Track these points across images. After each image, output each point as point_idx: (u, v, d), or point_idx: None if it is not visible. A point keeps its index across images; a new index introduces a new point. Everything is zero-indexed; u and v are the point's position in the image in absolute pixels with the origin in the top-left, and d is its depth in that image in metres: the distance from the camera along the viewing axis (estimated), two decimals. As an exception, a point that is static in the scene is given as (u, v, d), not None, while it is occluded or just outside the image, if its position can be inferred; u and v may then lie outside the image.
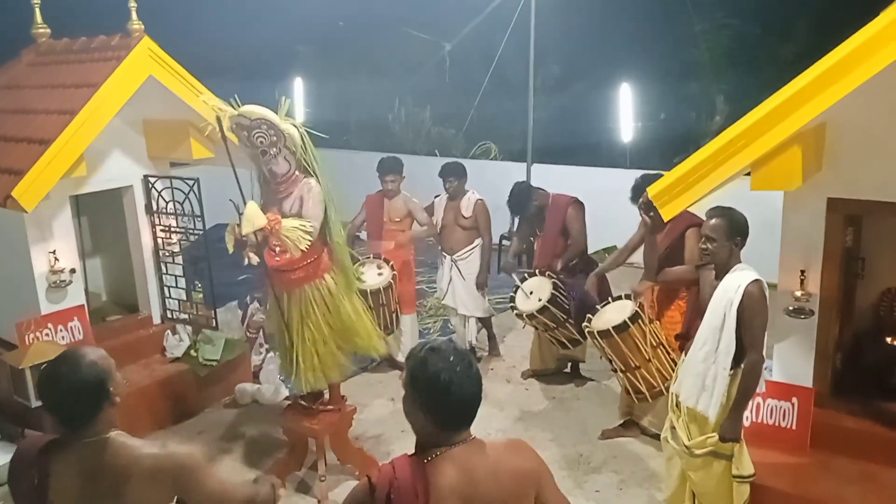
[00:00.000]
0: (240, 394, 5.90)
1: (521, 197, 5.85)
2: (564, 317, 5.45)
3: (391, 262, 5.90)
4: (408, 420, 2.14)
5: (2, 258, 5.44)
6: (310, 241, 4.08)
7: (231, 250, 4.23)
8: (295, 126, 4.20)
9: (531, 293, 5.53)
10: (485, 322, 6.57)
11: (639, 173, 5.21)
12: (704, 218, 4.22)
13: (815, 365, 4.19)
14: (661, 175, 4.91)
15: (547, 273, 5.56)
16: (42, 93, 5.40)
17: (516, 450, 2.22)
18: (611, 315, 4.71)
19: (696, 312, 4.75)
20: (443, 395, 2.05)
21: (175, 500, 2.36)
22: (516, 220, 6.27)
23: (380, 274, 5.83)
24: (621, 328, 4.53)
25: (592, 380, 6.09)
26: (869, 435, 4.05)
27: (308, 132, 4.30)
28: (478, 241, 6.26)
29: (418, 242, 6.60)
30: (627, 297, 4.83)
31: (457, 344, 2.21)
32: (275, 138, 4.12)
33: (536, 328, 5.73)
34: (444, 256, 6.38)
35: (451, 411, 2.08)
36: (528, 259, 6.54)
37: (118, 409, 2.32)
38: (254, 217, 4.00)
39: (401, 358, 6.38)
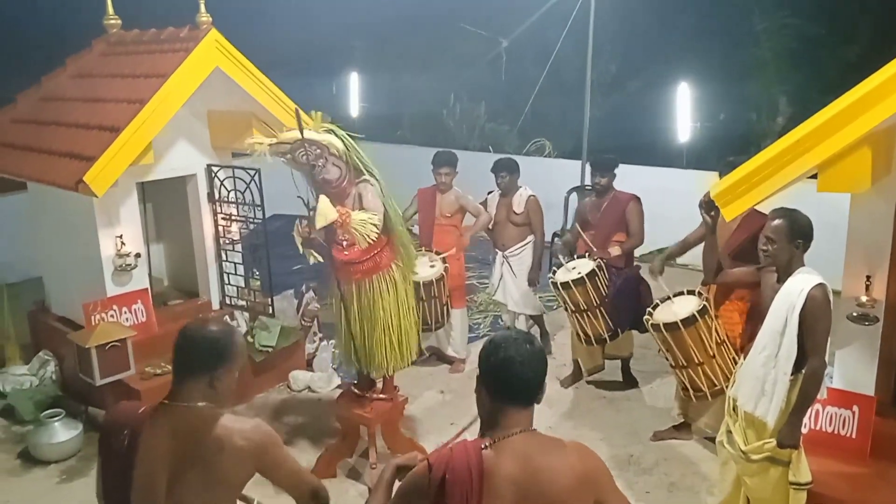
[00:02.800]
0: (294, 380, 6.00)
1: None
2: (598, 301, 5.38)
3: (443, 255, 5.95)
4: (477, 404, 2.21)
5: (71, 241, 5.64)
6: (377, 232, 4.18)
7: (301, 249, 4.34)
8: (334, 132, 4.30)
9: (573, 268, 5.51)
10: (536, 319, 6.54)
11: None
12: None
13: (878, 373, 4.09)
14: None
15: (595, 257, 5.52)
16: (112, 82, 5.58)
17: (581, 452, 2.21)
18: (677, 308, 4.63)
19: (758, 315, 4.68)
20: (495, 361, 2.13)
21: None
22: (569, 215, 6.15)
23: (432, 266, 5.88)
24: (689, 321, 4.45)
25: (635, 380, 6.01)
26: (932, 446, 3.94)
27: (350, 135, 4.36)
28: (530, 238, 6.22)
29: (471, 237, 6.59)
30: (691, 292, 4.75)
31: (527, 331, 2.26)
32: (318, 151, 4.21)
33: (567, 308, 5.54)
34: (497, 252, 6.37)
35: (502, 381, 2.13)
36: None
37: (217, 398, 2.41)
38: (327, 211, 4.10)
39: (450, 352, 6.42)
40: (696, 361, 4.52)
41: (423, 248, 6.10)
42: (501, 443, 2.09)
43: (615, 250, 5.58)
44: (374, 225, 4.17)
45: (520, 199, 6.16)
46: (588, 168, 9.04)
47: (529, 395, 2.16)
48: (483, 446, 2.10)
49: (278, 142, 4.22)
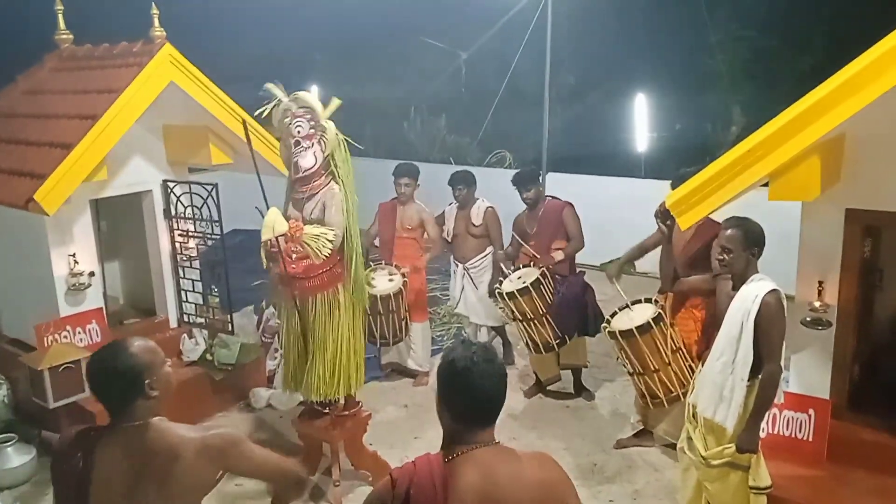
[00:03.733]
0: (255, 398, 5.92)
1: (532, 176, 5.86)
2: (544, 309, 5.41)
3: (402, 269, 5.93)
4: (438, 418, 2.17)
5: (22, 261, 5.50)
6: (331, 249, 4.10)
7: (265, 263, 4.26)
8: (335, 130, 4.28)
9: (518, 278, 5.54)
10: (498, 330, 6.55)
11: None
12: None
13: (832, 376, 4.17)
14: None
15: (539, 266, 5.55)
16: (64, 98, 5.48)
17: (542, 461, 2.21)
18: (632, 316, 4.69)
19: (711, 322, 4.75)
20: (461, 386, 2.08)
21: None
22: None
23: (390, 280, 5.86)
24: (644, 329, 4.51)
25: (588, 390, 6.03)
26: (886, 448, 4.02)
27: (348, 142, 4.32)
28: (489, 250, 6.20)
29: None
30: (648, 300, 4.81)
31: (486, 342, 2.23)
32: (312, 131, 4.15)
33: (514, 317, 5.54)
34: (457, 265, 6.36)
35: (469, 404, 2.10)
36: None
37: (160, 401, 2.37)
38: (275, 222, 4.02)
39: (412, 365, 6.39)
40: (652, 368, 4.57)
41: (384, 262, 6.08)
42: (464, 455, 2.08)
43: (558, 255, 5.63)
44: (329, 241, 4.09)
45: (478, 212, 6.15)
46: (550, 176, 9.17)
47: (492, 415, 2.15)
48: (446, 459, 2.09)
49: (293, 98, 4.21)
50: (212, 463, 2.33)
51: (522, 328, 5.55)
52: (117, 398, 2.33)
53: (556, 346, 5.55)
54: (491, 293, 6.14)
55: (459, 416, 2.11)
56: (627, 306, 4.83)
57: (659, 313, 4.56)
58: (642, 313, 4.65)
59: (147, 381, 2.33)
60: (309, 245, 4.05)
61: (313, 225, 4.15)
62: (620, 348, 4.67)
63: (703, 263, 4.57)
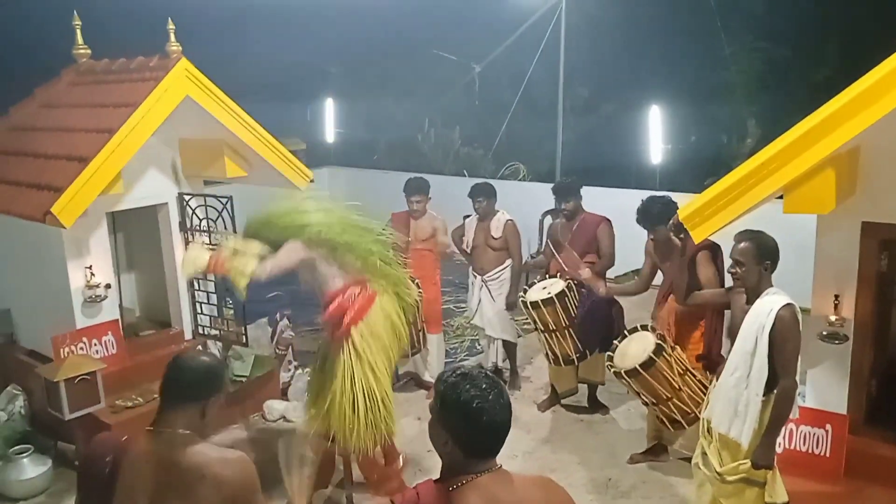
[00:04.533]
0: (268, 410, 5.93)
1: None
2: (567, 322, 5.39)
3: (417, 281, 5.93)
4: (433, 444, 2.13)
5: (39, 273, 5.55)
6: (246, 282, 3.91)
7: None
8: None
9: (544, 288, 5.53)
10: (509, 349, 6.43)
11: (670, 195, 5.17)
12: (713, 241, 4.21)
13: (849, 391, 4.12)
14: (667, 197, 4.97)
15: (565, 278, 5.53)
16: (81, 112, 5.55)
17: (545, 486, 2.19)
18: (633, 349, 4.64)
19: (714, 333, 4.75)
20: (473, 423, 2.02)
21: None
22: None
23: None
24: (648, 364, 4.46)
25: (603, 405, 6.00)
26: (905, 464, 3.97)
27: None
28: (508, 262, 6.18)
29: (446, 260, 6.58)
30: (644, 327, 4.78)
31: (488, 371, 2.17)
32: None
33: (536, 327, 5.54)
34: (475, 276, 6.33)
35: (481, 440, 2.06)
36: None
37: (199, 417, 2.45)
38: (195, 258, 4.01)
39: (427, 377, 6.38)
40: (665, 398, 4.54)
41: None
42: (469, 484, 2.05)
43: (585, 272, 5.56)
44: (243, 273, 3.89)
45: (497, 224, 6.13)
46: (553, 195, 9.16)
47: (500, 446, 2.10)
48: (450, 488, 2.06)
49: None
50: (230, 488, 2.36)
51: (544, 339, 5.53)
52: (184, 394, 2.41)
53: (576, 360, 5.52)
54: (509, 306, 6.15)
55: (469, 449, 2.06)
56: (623, 339, 4.80)
57: (658, 343, 4.52)
58: (642, 345, 4.59)
59: (212, 398, 2.46)
60: (233, 275, 3.91)
61: (239, 255, 3.98)
62: (628, 385, 4.64)
63: (690, 281, 4.55)
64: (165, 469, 2.33)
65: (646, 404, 4.74)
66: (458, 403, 2.04)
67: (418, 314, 5.80)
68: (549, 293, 5.38)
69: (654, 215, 4.95)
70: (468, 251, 6.29)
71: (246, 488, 2.40)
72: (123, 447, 2.38)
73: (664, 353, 4.49)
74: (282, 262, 4.02)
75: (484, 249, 6.19)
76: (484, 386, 2.05)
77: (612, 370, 4.66)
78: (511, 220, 6.16)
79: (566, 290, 5.40)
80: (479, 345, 6.72)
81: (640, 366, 4.47)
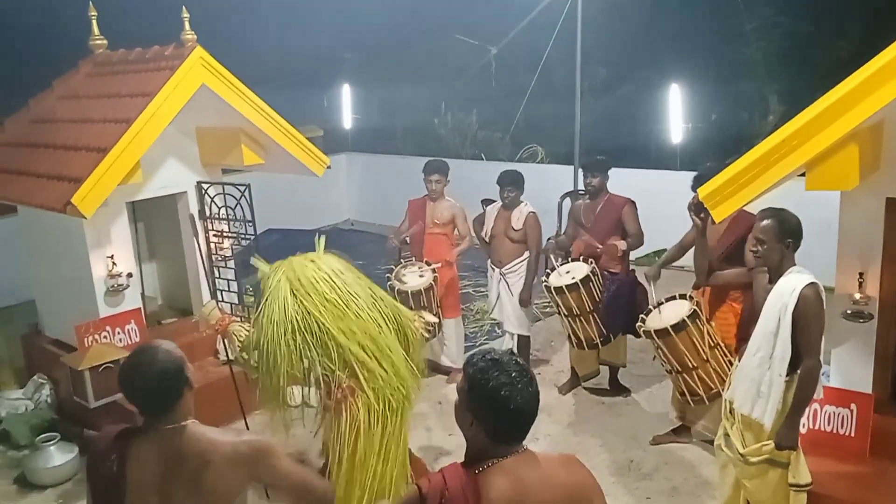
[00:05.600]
0: (290, 395, 5.96)
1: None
2: (591, 306, 5.36)
3: (433, 265, 5.93)
4: (459, 426, 2.13)
5: (62, 263, 5.62)
6: (239, 349, 4.11)
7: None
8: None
9: (567, 272, 5.47)
10: (521, 343, 6.26)
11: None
12: None
13: (874, 370, 4.07)
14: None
15: (589, 261, 5.48)
16: (99, 102, 5.58)
17: (568, 464, 2.19)
18: (667, 314, 4.62)
19: (752, 316, 4.66)
20: (500, 410, 2.02)
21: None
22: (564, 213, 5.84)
23: (421, 276, 5.86)
24: (679, 327, 4.44)
25: (625, 387, 5.96)
26: (932, 443, 3.92)
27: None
28: (526, 255, 6.03)
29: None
30: (682, 296, 4.74)
31: (518, 357, 2.14)
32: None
33: (560, 312, 5.51)
34: (493, 269, 6.16)
35: (507, 427, 2.06)
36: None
37: (193, 396, 2.43)
38: (209, 315, 4.34)
39: (446, 362, 6.38)
40: (690, 366, 4.50)
41: (413, 258, 6.09)
42: (495, 466, 2.05)
43: (622, 244, 5.48)
44: (240, 341, 4.10)
45: (519, 215, 5.97)
46: (581, 172, 9.10)
47: (527, 431, 2.11)
48: (476, 470, 2.06)
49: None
50: (241, 470, 2.36)
51: (568, 323, 5.51)
52: (159, 400, 2.35)
53: (599, 343, 5.50)
54: (522, 302, 5.99)
55: (495, 434, 2.06)
56: (662, 303, 4.77)
57: (694, 310, 4.48)
58: (677, 311, 4.58)
59: (187, 374, 2.41)
60: (234, 339, 4.13)
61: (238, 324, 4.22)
62: (657, 347, 4.61)
63: (738, 257, 4.49)
64: (171, 463, 2.32)
65: (669, 372, 4.70)
66: (487, 389, 2.03)
67: (433, 298, 5.80)
68: (574, 278, 5.33)
69: None
70: (486, 240, 6.18)
71: (260, 459, 2.38)
72: (126, 444, 2.35)
73: (698, 321, 4.46)
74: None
75: (502, 240, 6.03)
76: (514, 373, 2.04)
77: (642, 329, 4.64)
78: (533, 212, 5.99)
79: (590, 274, 5.35)
80: (499, 329, 6.70)
81: (671, 327, 4.44)
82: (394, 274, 6.00)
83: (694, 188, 4.75)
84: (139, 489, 2.32)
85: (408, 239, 6.34)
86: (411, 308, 5.73)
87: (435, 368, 6.47)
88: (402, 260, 6.12)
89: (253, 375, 5.66)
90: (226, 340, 4.34)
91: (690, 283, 5.00)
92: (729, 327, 4.75)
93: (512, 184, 5.97)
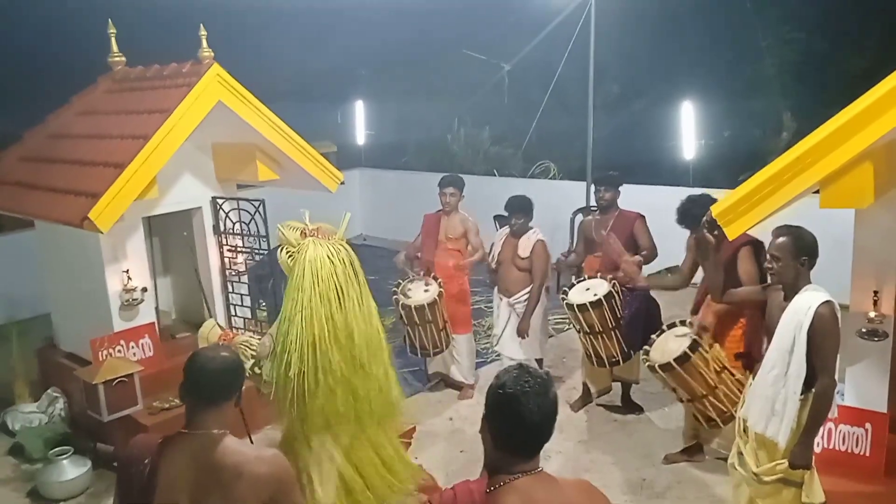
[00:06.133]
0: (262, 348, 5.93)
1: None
2: (613, 323, 5.32)
3: (439, 280, 5.92)
4: (482, 441, 2.12)
5: (78, 277, 5.66)
6: (252, 359, 4.37)
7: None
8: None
9: (587, 289, 5.42)
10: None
11: (702, 192, 5.10)
12: (756, 237, 4.13)
13: (889, 389, 4.03)
14: (706, 196, 4.89)
15: (609, 278, 5.44)
16: (117, 118, 5.64)
17: (585, 491, 2.16)
18: (669, 345, 4.60)
19: (756, 331, 4.67)
20: (511, 416, 2.01)
21: None
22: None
23: (426, 290, 5.86)
24: (682, 359, 4.42)
25: (637, 405, 5.93)
26: (949, 463, 3.87)
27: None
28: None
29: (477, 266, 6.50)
30: (682, 322, 4.73)
31: (538, 369, 2.13)
32: None
33: (581, 329, 5.44)
34: (501, 298, 6.01)
35: (516, 434, 2.03)
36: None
37: (232, 412, 2.52)
38: (209, 333, 4.63)
39: (458, 377, 6.37)
40: (700, 395, 4.49)
41: (422, 273, 6.11)
42: (508, 485, 2.03)
43: (636, 259, 5.45)
44: (252, 350, 4.35)
45: (527, 243, 5.81)
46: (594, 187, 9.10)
47: (538, 445, 2.08)
48: (488, 489, 2.05)
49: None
50: (267, 485, 2.40)
51: (588, 340, 5.45)
52: (213, 389, 2.44)
53: (621, 360, 5.44)
54: (520, 332, 5.83)
55: (504, 444, 2.05)
56: (661, 333, 4.75)
57: (694, 339, 4.46)
58: (679, 341, 4.55)
59: (241, 386, 2.53)
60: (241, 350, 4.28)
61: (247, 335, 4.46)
62: (663, 380, 4.60)
63: (730, 277, 4.45)
64: (203, 470, 2.36)
65: (681, 401, 4.69)
66: (498, 396, 2.04)
67: (437, 313, 5.80)
68: (596, 295, 5.27)
69: (695, 216, 4.88)
70: (493, 266, 6.00)
71: (283, 485, 2.44)
72: (160, 449, 2.41)
73: (700, 350, 4.44)
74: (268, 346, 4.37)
75: (509, 267, 5.88)
76: (528, 380, 2.03)
77: (647, 364, 4.62)
78: (542, 240, 5.84)
79: (612, 290, 5.30)
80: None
81: (674, 360, 4.42)
82: (400, 288, 6.01)
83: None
84: (168, 493, 2.36)
85: (419, 254, 6.35)
86: (416, 324, 5.77)
87: (449, 384, 6.47)
88: (411, 274, 6.14)
89: (264, 389, 5.69)
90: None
91: (689, 298, 5.00)
92: (737, 343, 4.74)
93: (520, 210, 5.83)
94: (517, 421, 2.01)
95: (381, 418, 4.28)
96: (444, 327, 5.92)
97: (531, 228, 5.90)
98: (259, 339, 4.35)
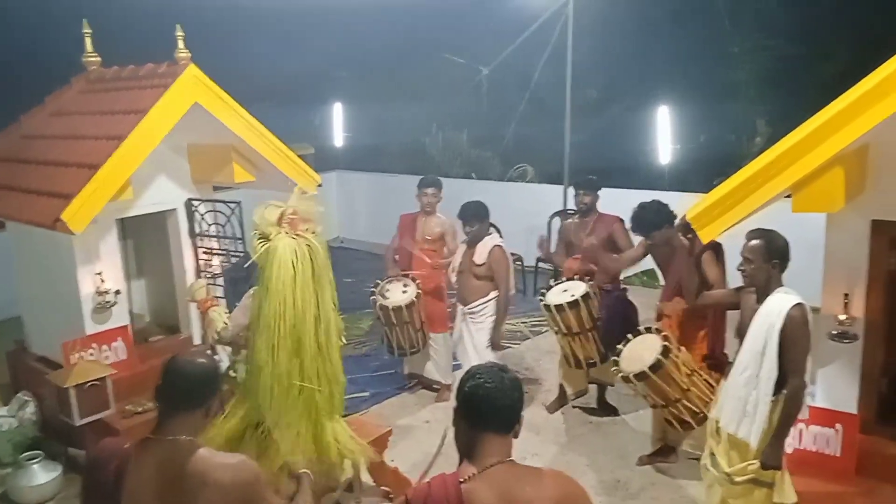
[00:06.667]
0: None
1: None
2: (591, 324, 5.36)
3: (417, 281, 5.93)
4: (454, 436, 2.22)
5: (50, 280, 5.59)
6: (220, 324, 4.33)
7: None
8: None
9: (565, 291, 5.44)
10: None
11: (677, 195, 5.18)
12: (716, 240, 4.21)
13: (860, 390, 4.09)
14: (657, 202, 5.01)
15: (586, 278, 5.49)
16: (91, 119, 5.58)
17: (558, 478, 2.21)
18: (639, 353, 4.62)
19: (717, 333, 4.76)
20: (475, 393, 2.14)
21: None
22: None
23: (404, 291, 5.87)
24: (656, 367, 4.45)
25: (612, 406, 5.98)
26: (917, 463, 3.93)
27: None
28: (493, 294, 5.66)
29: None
30: (648, 329, 4.76)
31: (504, 364, 2.31)
32: None
33: (559, 331, 5.45)
34: (459, 305, 5.88)
35: (483, 409, 2.14)
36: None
37: (206, 421, 2.52)
38: (195, 291, 4.69)
39: (434, 375, 6.37)
40: (674, 399, 4.53)
41: (401, 273, 6.12)
42: (480, 476, 2.09)
43: (620, 256, 5.56)
44: (219, 329, 4.32)
45: (483, 249, 5.61)
46: (572, 190, 9.15)
47: (506, 421, 2.17)
48: (461, 480, 2.09)
49: None
50: (235, 496, 2.39)
51: (566, 342, 5.49)
52: (187, 392, 2.44)
53: (598, 361, 5.48)
54: (493, 345, 5.72)
55: (473, 420, 2.15)
56: (627, 342, 4.78)
57: (664, 345, 4.50)
58: (650, 348, 4.57)
59: (217, 394, 2.52)
60: (213, 321, 4.37)
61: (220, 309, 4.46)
62: (636, 389, 4.63)
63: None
64: (169, 477, 2.35)
65: (654, 406, 4.72)
66: (465, 381, 2.20)
67: (415, 314, 5.80)
68: (573, 295, 5.31)
69: (649, 222, 5.04)
70: (453, 277, 5.87)
71: (250, 490, 2.43)
72: (127, 453, 2.40)
73: (671, 355, 4.48)
74: (238, 319, 4.19)
75: (468, 276, 5.69)
76: (492, 367, 2.23)
77: (620, 375, 4.63)
78: (499, 246, 5.64)
79: (590, 292, 5.35)
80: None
81: (648, 368, 4.45)
82: (378, 289, 6.00)
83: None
84: (134, 499, 2.34)
85: (397, 256, 6.36)
86: (394, 324, 5.76)
87: (426, 386, 6.47)
88: (389, 276, 6.15)
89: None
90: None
91: (654, 297, 5.08)
92: (700, 343, 4.82)
93: (472, 217, 5.61)
94: (482, 393, 2.14)
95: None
96: (420, 328, 5.94)
97: (491, 233, 5.80)
98: (225, 322, 4.30)
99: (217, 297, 4.63)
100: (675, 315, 4.94)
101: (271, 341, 3.74)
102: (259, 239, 3.82)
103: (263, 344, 3.75)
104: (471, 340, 5.74)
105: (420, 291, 5.82)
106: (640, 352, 4.62)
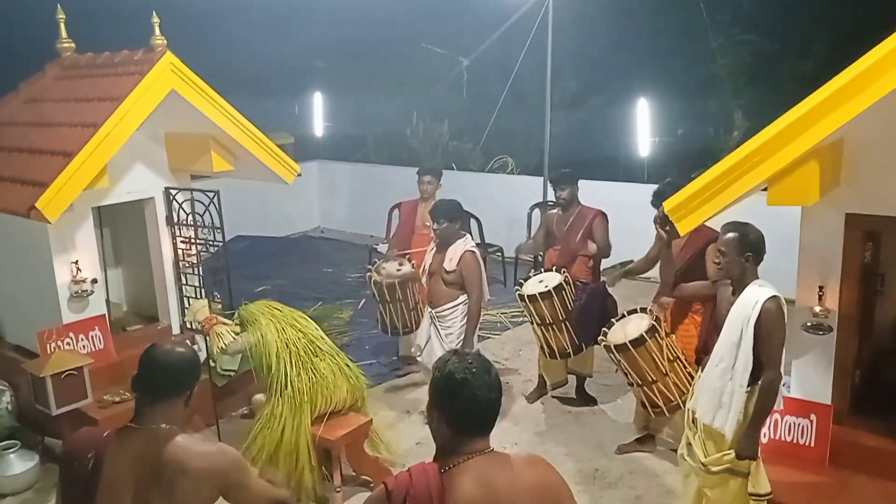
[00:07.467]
0: (256, 404, 5.90)
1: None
2: (564, 315, 5.39)
3: (413, 262, 5.95)
4: (428, 426, 2.20)
5: (25, 268, 5.52)
6: (220, 346, 4.67)
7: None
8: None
9: (540, 281, 5.49)
10: None
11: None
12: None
13: (834, 381, 4.16)
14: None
15: (562, 270, 5.52)
16: (66, 106, 5.50)
17: (535, 465, 2.23)
18: (627, 328, 4.69)
19: (712, 327, 4.77)
20: (458, 395, 2.09)
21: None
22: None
23: (399, 269, 5.87)
24: (638, 342, 4.51)
25: (591, 396, 6.01)
26: (889, 453, 4.00)
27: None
28: (462, 299, 5.43)
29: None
30: (643, 310, 4.82)
31: (481, 353, 2.26)
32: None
33: (533, 321, 5.48)
34: (429, 308, 5.63)
35: (466, 414, 2.11)
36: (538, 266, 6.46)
37: (184, 409, 2.51)
38: (197, 311, 4.93)
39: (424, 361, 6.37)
40: (650, 380, 4.57)
41: (398, 253, 6.21)
42: (461, 465, 2.09)
43: (592, 247, 5.61)
44: (221, 347, 4.65)
45: (454, 253, 5.36)
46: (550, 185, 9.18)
47: (490, 423, 2.17)
48: (442, 469, 2.10)
49: None
50: (214, 485, 2.39)
51: (540, 332, 5.53)
52: (166, 381, 2.43)
53: (571, 353, 5.53)
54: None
55: (457, 427, 2.12)
56: (620, 318, 4.84)
57: (653, 325, 4.55)
58: (637, 325, 4.65)
59: (195, 383, 2.52)
60: (216, 338, 4.64)
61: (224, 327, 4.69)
62: (617, 361, 4.68)
63: (696, 271, 4.59)
64: (147, 466, 2.33)
65: (630, 385, 4.77)
66: (444, 376, 2.13)
67: (409, 292, 5.82)
68: (547, 286, 5.36)
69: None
70: (423, 279, 5.71)
71: (231, 478, 2.42)
72: (105, 443, 2.38)
73: (657, 336, 4.53)
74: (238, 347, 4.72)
75: (437, 279, 5.46)
76: (471, 361, 2.14)
77: (603, 344, 4.70)
78: (470, 251, 5.39)
79: (563, 283, 5.39)
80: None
81: (630, 342, 4.50)
82: (374, 266, 6.02)
83: (654, 204, 4.89)
84: (111, 490, 2.32)
85: (393, 243, 6.44)
86: (388, 301, 5.77)
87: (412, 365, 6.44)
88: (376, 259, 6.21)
89: (218, 382, 5.63)
90: (207, 338, 4.69)
91: (652, 294, 5.11)
92: (691, 339, 4.84)
93: (443, 215, 5.35)
94: (467, 401, 2.09)
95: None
96: (415, 307, 5.92)
97: (464, 235, 5.52)
98: (234, 335, 4.59)
99: (219, 318, 4.88)
100: (669, 307, 4.97)
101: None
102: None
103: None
104: (439, 344, 5.48)
105: (416, 272, 5.82)
106: (629, 328, 4.68)
